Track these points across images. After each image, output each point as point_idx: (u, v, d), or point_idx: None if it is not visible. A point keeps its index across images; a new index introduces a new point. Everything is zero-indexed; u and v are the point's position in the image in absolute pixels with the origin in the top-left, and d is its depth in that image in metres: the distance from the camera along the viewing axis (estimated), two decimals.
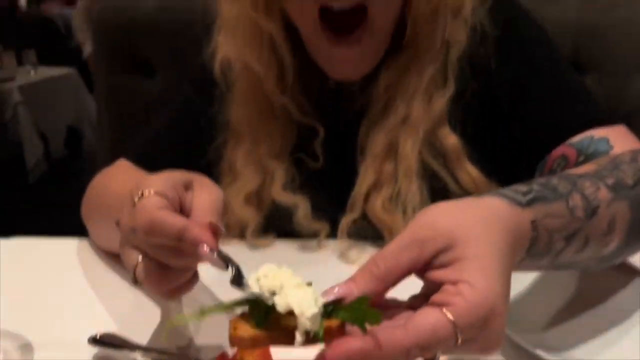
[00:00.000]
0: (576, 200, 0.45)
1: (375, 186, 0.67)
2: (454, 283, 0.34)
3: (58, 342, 0.50)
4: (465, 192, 0.67)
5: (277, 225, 0.70)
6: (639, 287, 0.56)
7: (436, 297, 0.34)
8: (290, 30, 0.66)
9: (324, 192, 0.69)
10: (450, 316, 0.32)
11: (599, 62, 1.05)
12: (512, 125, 0.68)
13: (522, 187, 0.44)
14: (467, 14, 0.66)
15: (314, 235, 0.69)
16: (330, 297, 0.35)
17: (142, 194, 0.42)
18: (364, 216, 0.68)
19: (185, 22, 1.04)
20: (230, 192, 0.69)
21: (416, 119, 0.66)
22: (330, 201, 0.69)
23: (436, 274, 0.36)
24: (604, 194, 0.48)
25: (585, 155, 0.61)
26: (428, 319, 0.33)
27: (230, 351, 0.42)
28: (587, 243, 0.46)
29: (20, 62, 3.24)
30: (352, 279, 0.36)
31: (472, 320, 0.33)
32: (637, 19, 1.03)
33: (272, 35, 0.65)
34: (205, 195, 0.46)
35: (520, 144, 0.67)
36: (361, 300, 0.34)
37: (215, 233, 0.41)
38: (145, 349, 0.48)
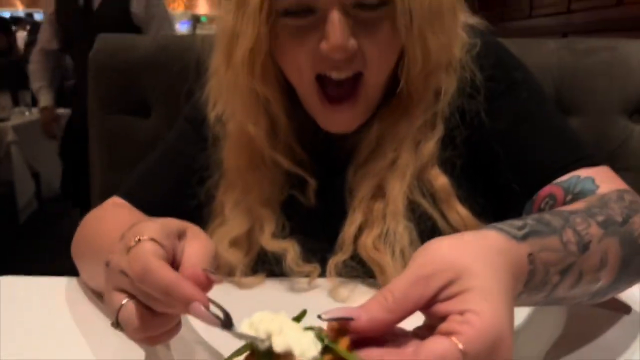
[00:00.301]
0: (569, 235, 0.47)
1: (364, 226, 0.68)
2: (461, 313, 0.35)
3: None
4: (455, 231, 0.67)
5: (267, 267, 0.71)
6: (627, 324, 0.56)
7: (444, 327, 0.35)
8: (285, 88, 0.68)
9: (314, 234, 0.70)
10: (459, 345, 0.33)
11: (582, 104, 1.08)
12: (501, 167, 0.69)
13: (516, 222, 0.45)
14: (457, 64, 0.69)
15: (305, 276, 0.69)
16: (334, 315, 0.35)
17: (139, 240, 0.43)
18: (354, 256, 0.68)
19: (182, 61, 1.08)
20: (217, 235, 0.70)
21: (404, 163, 0.68)
22: (321, 243, 0.70)
23: (442, 307, 0.36)
24: (595, 230, 0.49)
25: (572, 194, 0.62)
26: (438, 346, 0.33)
27: None
28: (580, 278, 0.47)
29: (16, 103, 3.28)
30: (361, 307, 0.37)
31: (480, 348, 0.34)
32: (616, 62, 1.07)
33: (267, 99, 0.66)
34: (197, 245, 0.47)
35: (509, 184, 0.69)
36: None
37: (207, 282, 0.42)
38: None
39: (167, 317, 0.43)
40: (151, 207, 0.72)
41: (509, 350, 0.35)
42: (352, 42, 0.60)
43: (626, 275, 0.53)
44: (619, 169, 1.10)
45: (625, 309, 0.59)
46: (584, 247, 0.47)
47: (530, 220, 0.46)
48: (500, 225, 0.44)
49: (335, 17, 0.59)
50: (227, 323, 0.38)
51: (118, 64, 1.08)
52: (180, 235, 0.47)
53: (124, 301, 0.43)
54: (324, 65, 0.62)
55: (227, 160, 0.72)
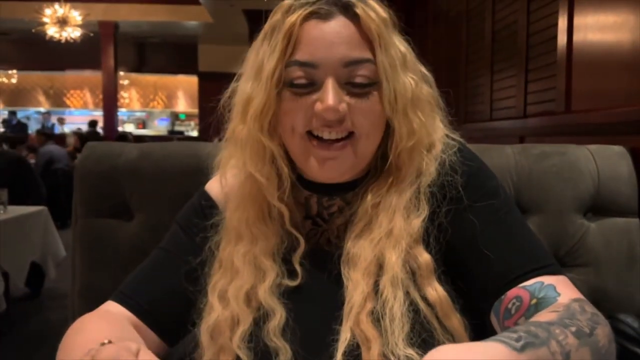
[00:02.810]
0: (554, 346, 0.55)
1: (367, 296, 0.72)
2: None
3: None
4: (430, 307, 0.72)
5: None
6: None
7: None
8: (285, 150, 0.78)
9: (305, 304, 0.75)
10: None
11: (539, 204, 1.16)
12: (471, 262, 0.75)
13: (512, 334, 0.53)
14: (437, 153, 0.79)
15: None
16: None
17: (104, 344, 0.47)
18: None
19: (163, 168, 1.14)
20: (231, 290, 0.75)
21: (398, 233, 0.74)
22: (313, 313, 0.75)
23: None
24: (571, 340, 0.57)
25: (537, 299, 0.68)
26: None
27: None
28: None
29: None
30: None
31: None
32: (566, 166, 1.17)
33: (273, 152, 0.76)
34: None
35: (477, 280, 0.75)
36: None
37: None
38: None
39: None
40: (141, 307, 0.78)
41: None
42: (343, 106, 0.72)
43: None
44: (579, 265, 1.17)
45: None
46: (567, 355, 0.55)
47: (522, 333, 0.54)
48: (499, 337, 0.52)
49: (330, 84, 0.71)
50: None
51: (103, 170, 1.14)
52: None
53: None
54: (317, 124, 0.73)
55: (236, 215, 0.80)
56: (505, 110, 2.33)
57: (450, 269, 0.77)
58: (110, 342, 0.48)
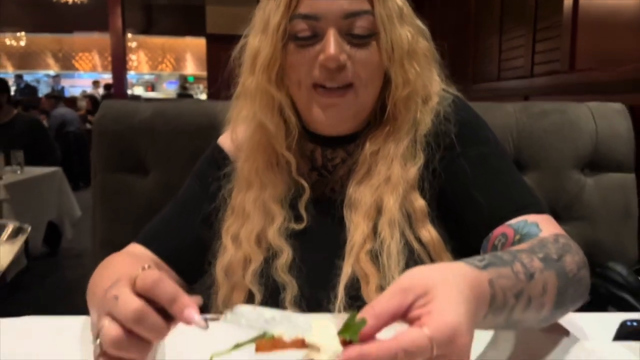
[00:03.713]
0: (518, 267, 0.58)
1: (367, 236, 0.79)
2: (429, 313, 0.46)
3: None
4: (423, 248, 0.79)
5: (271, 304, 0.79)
6: (566, 343, 0.67)
7: (415, 321, 0.46)
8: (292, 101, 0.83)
9: (310, 244, 0.81)
10: (427, 331, 0.44)
11: (538, 160, 1.20)
12: (463, 205, 0.81)
13: (477, 257, 0.57)
14: (433, 105, 0.84)
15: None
16: None
17: (148, 266, 0.52)
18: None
19: (176, 125, 1.19)
20: (242, 233, 0.82)
21: (396, 179, 0.80)
22: (317, 253, 0.81)
23: (416, 312, 0.47)
24: (537, 263, 0.61)
25: (521, 235, 0.74)
26: (411, 333, 0.45)
27: None
28: (530, 302, 0.58)
29: (8, 162, 3.35)
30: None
31: (442, 334, 0.44)
32: (566, 124, 1.20)
33: (281, 102, 0.82)
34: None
35: (468, 221, 0.80)
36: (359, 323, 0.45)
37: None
38: None
39: (137, 343, 0.50)
40: (164, 250, 0.85)
41: (466, 342, 0.46)
42: (344, 56, 0.76)
43: (563, 303, 0.64)
44: (576, 218, 1.22)
45: (565, 332, 0.70)
46: (530, 276, 0.59)
47: (487, 256, 0.58)
48: (465, 259, 0.56)
49: (331, 35, 0.76)
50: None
51: (119, 128, 1.19)
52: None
53: (107, 322, 0.50)
54: (320, 75, 0.77)
55: (247, 164, 0.86)
56: (512, 70, 2.34)
57: (442, 213, 0.82)
58: (149, 266, 0.53)
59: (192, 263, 0.86)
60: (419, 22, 0.84)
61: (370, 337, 0.46)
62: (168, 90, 14.68)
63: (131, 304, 0.49)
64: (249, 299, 0.81)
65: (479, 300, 0.51)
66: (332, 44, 0.75)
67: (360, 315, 0.46)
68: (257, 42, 0.81)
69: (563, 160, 1.20)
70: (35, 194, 3.36)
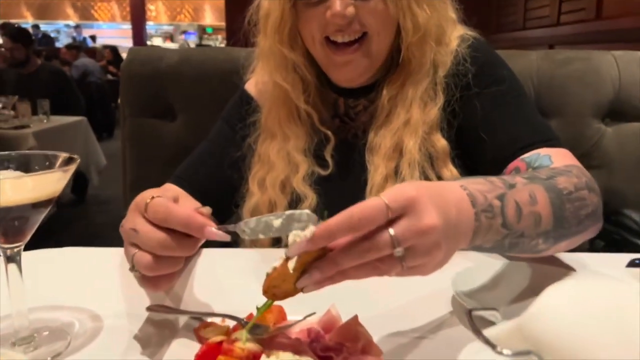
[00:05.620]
0: (494, 179, 0.58)
1: (386, 177, 0.82)
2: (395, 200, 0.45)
3: (122, 313, 0.63)
4: None
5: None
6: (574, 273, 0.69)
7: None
8: (310, 56, 0.86)
9: (334, 189, 0.85)
10: (383, 197, 0.45)
11: (559, 108, 1.20)
12: (478, 143, 0.83)
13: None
14: (450, 43, 0.85)
15: None
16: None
17: (152, 198, 0.56)
18: None
19: (202, 70, 1.21)
20: (268, 179, 0.86)
21: (415, 122, 0.83)
22: (340, 197, 0.83)
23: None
24: (519, 179, 0.60)
25: (532, 168, 0.75)
26: (368, 201, 0.45)
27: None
28: (519, 208, 0.56)
29: (34, 112, 3.42)
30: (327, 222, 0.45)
31: (397, 199, 0.44)
32: (589, 72, 1.20)
33: (295, 61, 0.85)
34: (188, 203, 0.74)
35: (484, 158, 0.83)
36: None
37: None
38: (191, 313, 0.61)
39: (168, 261, 0.55)
40: (196, 187, 0.88)
41: (436, 244, 0.45)
42: (350, 10, 0.78)
43: (565, 220, 0.62)
44: (594, 166, 1.23)
45: (571, 269, 0.72)
46: (510, 185, 0.57)
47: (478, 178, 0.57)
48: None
49: None
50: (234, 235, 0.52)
51: (146, 73, 1.22)
52: (175, 200, 0.61)
53: (136, 250, 0.55)
54: (330, 30, 0.80)
55: (269, 115, 0.89)
56: (537, 20, 2.29)
57: (461, 152, 0.85)
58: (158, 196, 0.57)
59: (221, 202, 0.90)
60: None
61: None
62: (187, 41, 14.57)
63: (153, 236, 0.54)
64: (274, 242, 0.86)
65: (449, 202, 0.49)
66: (337, 0, 0.77)
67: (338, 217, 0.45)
68: (267, 4, 0.84)
69: (584, 108, 1.20)
70: (62, 142, 3.44)
